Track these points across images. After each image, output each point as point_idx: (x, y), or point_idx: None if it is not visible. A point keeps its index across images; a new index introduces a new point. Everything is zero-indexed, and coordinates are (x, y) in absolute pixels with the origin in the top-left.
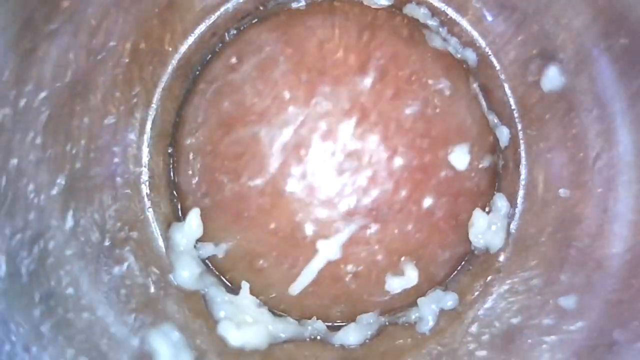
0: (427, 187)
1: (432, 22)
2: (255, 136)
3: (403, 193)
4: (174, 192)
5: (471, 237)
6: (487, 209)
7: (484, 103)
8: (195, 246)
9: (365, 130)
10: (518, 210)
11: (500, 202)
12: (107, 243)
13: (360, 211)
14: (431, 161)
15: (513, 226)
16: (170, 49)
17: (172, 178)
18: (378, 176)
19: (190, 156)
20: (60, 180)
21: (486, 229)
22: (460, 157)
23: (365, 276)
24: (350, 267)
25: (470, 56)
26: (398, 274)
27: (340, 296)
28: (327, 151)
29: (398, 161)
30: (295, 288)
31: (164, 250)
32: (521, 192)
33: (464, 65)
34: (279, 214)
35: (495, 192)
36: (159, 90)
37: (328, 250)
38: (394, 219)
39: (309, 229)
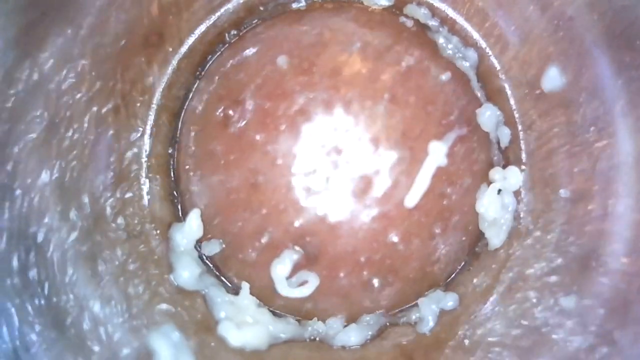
0: (430, 186)
1: (432, 22)
2: (255, 136)
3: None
4: (174, 192)
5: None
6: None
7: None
8: (196, 247)
9: (365, 127)
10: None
11: (508, 198)
12: (106, 243)
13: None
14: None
15: (513, 225)
16: (171, 49)
17: (172, 178)
18: (378, 171)
19: (191, 156)
20: (59, 180)
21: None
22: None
23: (368, 275)
24: (352, 266)
25: (472, 56)
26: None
27: (341, 297)
28: (329, 148)
29: (396, 156)
30: (411, 199)
31: (164, 250)
32: (522, 193)
33: (465, 64)
34: (281, 211)
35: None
36: (159, 90)
37: (438, 152)
38: (393, 219)
39: (314, 224)
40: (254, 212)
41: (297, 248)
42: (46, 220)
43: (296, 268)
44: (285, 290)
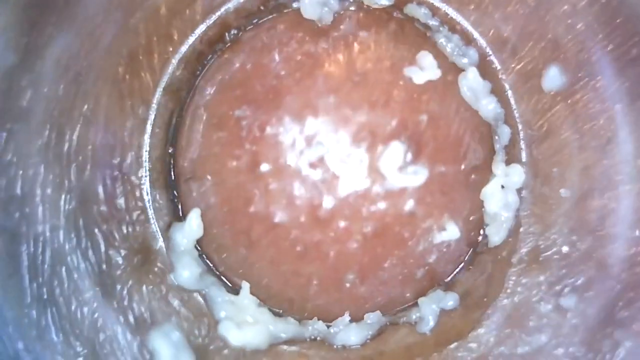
0: (431, 187)
1: (433, 22)
2: (255, 135)
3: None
4: (174, 192)
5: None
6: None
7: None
8: (196, 247)
9: (364, 127)
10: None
11: (510, 196)
12: (106, 242)
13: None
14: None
15: (514, 225)
16: (171, 48)
17: (172, 178)
18: (379, 171)
19: (191, 156)
20: (60, 180)
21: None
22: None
23: (368, 276)
24: (352, 268)
25: (472, 55)
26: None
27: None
28: (331, 146)
29: (395, 155)
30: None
31: (164, 250)
32: (522, 192)
33: (465, 61)
34: (281, 210)
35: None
36: (159, 89)
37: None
38: (393, 220)
39: (314, 224)
40: (246, 216)
41: (403, 140)
42: (47, 221)
43: (405, 160)
44: (397, 179)
